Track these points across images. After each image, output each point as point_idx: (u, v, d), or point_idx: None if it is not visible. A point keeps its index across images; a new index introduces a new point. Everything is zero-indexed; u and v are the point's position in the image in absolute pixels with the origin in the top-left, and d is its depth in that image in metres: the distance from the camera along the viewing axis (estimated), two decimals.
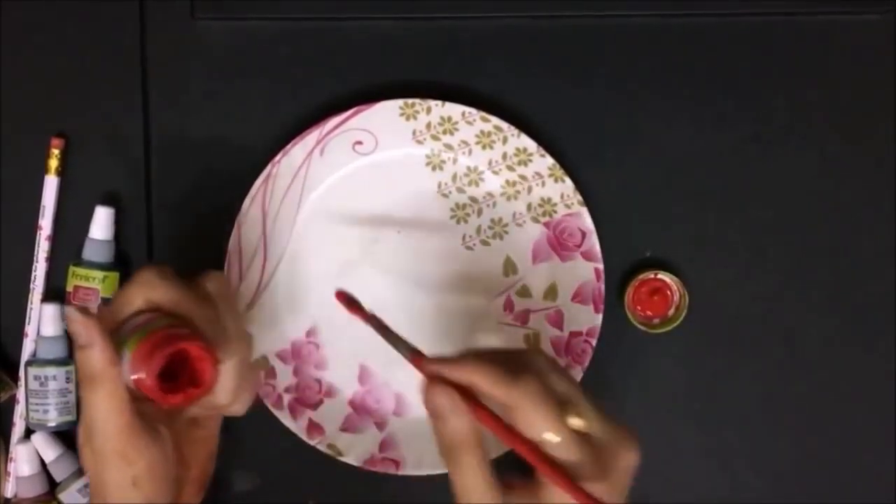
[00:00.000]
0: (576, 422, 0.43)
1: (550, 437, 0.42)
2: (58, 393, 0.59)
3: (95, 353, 0.45)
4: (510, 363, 0.45)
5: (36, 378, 0.59)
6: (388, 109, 0.59)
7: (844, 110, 0.62)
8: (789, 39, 0.62)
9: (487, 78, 0.62)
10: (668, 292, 0.61)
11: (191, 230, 0.62)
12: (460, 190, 0.61)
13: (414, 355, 0.47)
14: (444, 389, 0.44)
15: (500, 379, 0.43)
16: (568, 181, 0.59)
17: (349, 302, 0.50)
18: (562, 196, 0.60)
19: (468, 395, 0.44)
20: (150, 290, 0.48)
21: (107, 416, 0.45)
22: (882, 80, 0.62)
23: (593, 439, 0.44)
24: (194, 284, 0.50)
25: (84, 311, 0.46)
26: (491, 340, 0.61)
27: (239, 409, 0.50)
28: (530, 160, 0.60)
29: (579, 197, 0.59)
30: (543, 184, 0.60)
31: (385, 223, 0.61)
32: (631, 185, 0.62)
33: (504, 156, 0.60)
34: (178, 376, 0.46)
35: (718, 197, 0.62)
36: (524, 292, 0.61)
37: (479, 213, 0.61)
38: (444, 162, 0.61)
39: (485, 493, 0.44)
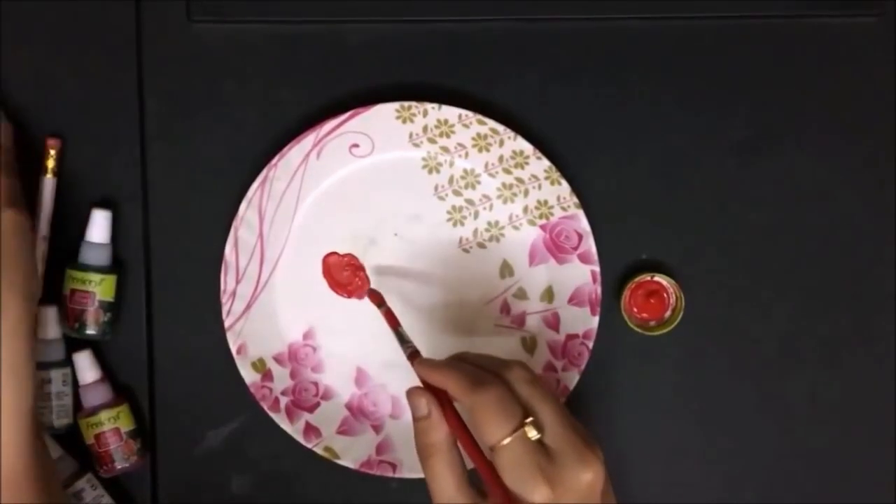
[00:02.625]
0: (531, 432, 0.45)
1: (504, 442, 0.45)
2: (54, 396, 0.59)
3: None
4: (485, 371, 0.47)
5: None
6: (384, 112, 0.59)
7: (841, 112, 0.63)
8: (786, 42, 0.62)
9: (484, 81, 0.62)
10: (665, 295, 0.61)
11: (187, 233, 0.62)
12: (457, 192, 0.61)
13: (410, 356, 0.52)
14: (422, 392, 0.49)
15: (466, 385, 0.46)
16: (564, 184, 0.59)
17: (374, 295, 0.57)
18: (558, 198, 0.60)
19: (446, 399, 0.48)
20: None
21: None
22: (879, 82, 0.63)
23: (551, 450, 0.45)
24: None
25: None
26: (488, 343, 0.61)
27: None
28: (527, 163, 0.60)
29: (576, 199, 0.59)
30: (540, 186, 0.60)
31: (382, 226, 0.61)
32: (627, 188, 0.62)
33: (500, 158, 0.60)
34: None
35: (715, 199, 0.62)
36: (521, 295, 0.61)
37: (476, 215, 0.61)
38: (440, 165, 0.61)
39: (454, 496, 0.46)
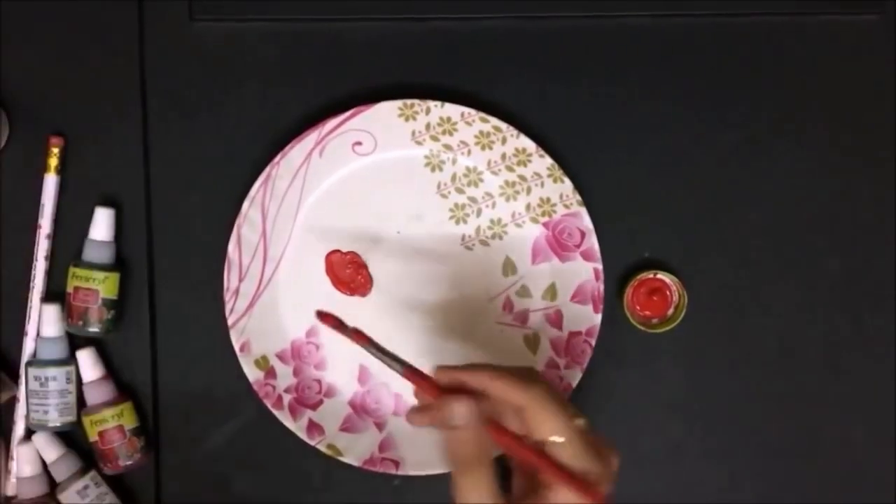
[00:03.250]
0: (581, 422, 0.45)
1: (556, 438, 0.44)
2: (58, 394, 0.59)
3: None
4: (518, 373, 0.46)
5: (36, 378, 0.59)
6: (387, 110, 0.59)
7: (842, 110, 0.63)
8: (787, 40, 0.63)
9: (486, 79, 0.62)
10: (667, 292, 0.61)
11: (191, 231, 0.62)
12: (459, 190, 0.61)
13: (407, 370, 0.47)
14: (463, 400, 0.45)
15: (515, 383, 0.45)
16: (567, 181, 0.59)
17: (334, 322, 0.48)
18: (561, 196, 0.60)
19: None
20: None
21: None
22: (879, 80, 0.63)
23: (593, 441, 0.45)
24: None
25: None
26: (490, 340, 0.61)
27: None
28: (529, 160, 0.60)
29: (578, 197, 0.59)
30: (542, 184, 0.60)
31: (384, 224, 0.61)
32: (630, 186, 0.62)
33: (503, 156, 0.60)
34: None
35: (717, 197, 0.62)
36: (523, 292, 0.61)
37: (479, 213, 0.61)
38: (443, 162, 0.61)
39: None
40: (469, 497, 0.44)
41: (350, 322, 0.59)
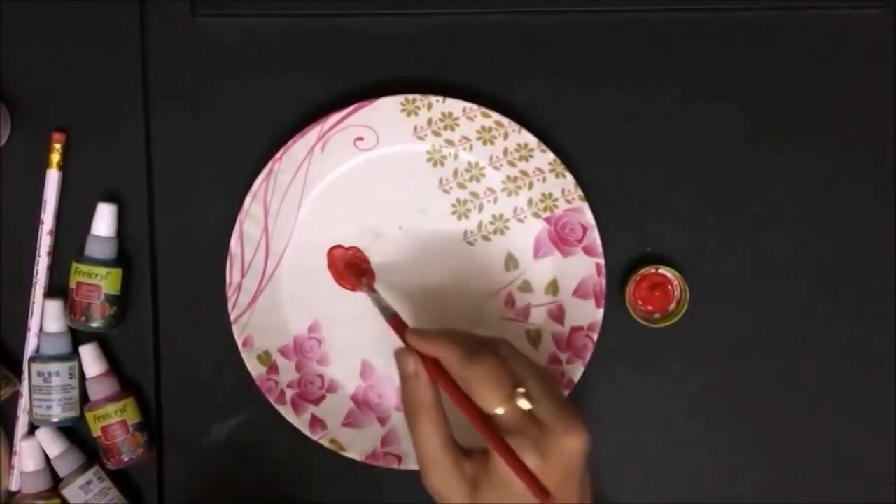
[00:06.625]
0: (522, 402, 0.47)
1: (497, 411, 0.47)
2: (61, 389, 0.59)
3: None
4: (476, 345, 0.49)
5: (39, 374, 0.59)
6: (388, 105, 0.59)
7: (845, 105, 0.63)
8: (790, 34, 0.62)
9: (488, 74, 0.62)
10: (669, 287, 0.61)
11: (193, 226, 0.62)
12: (461, 185, 0.61)
13: (394, 319, 0.54)
14: (411, 354, 0.50)
15: (462, 356, 0.48)
16: (569, 176, 0.59)
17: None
18: (563, 191, 0.60)
19: (436, 364, 0.49)
20: None
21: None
22: (882, 74, 0.63)
23: (540, 421, 0.47)
24: None
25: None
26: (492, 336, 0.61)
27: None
28: (531, 155, 0.60)
29: (580, 192, 0.59)
30: (544, 179, 0.60)
31: (386, 219, 0.61)
32: (632, 181, 0.62)
33: (505, 151, 0.60)
34: None
35: (719, 192, 0.62)
36: (525, 287, 0.61)
37: (481, 208, 0.61)
38: (445, 158, 0.61)
39: (439, 450, 0.48)
40: (418, 444, 0.49)
41: (351, 320, 0.59)
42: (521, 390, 0.47)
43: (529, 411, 0.47)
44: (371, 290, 0.58)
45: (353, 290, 0.61)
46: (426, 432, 0.48)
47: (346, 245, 0.61)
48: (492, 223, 0.61)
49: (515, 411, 0.47)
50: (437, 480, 0.48)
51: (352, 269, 0.60)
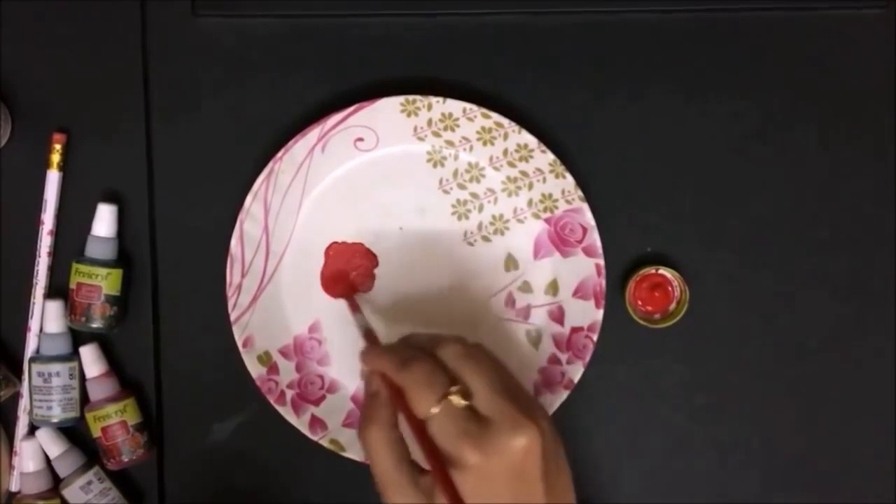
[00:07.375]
0: (456, 399, 0.46)
1: (433, 411, 0.46)
2: (61, 389, 0.59)
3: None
4: (415, 351, 0.49)
5: (39, 374, 0.59)
6: (389, 106, 0.59)
7: (845, 105, 0.63)
8: (790, 34, 0.62)
9: (488, 74, 0.62)
10: (669, 287, 0.61)
11: (193, 226, 0.62)
12: (461, 186, 0.61)
13: (366, 336, 0.55)
14: (376, 373, 0.50)
15: (395, 366, 0.48)
16: (569, 177, 0.59)
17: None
18: (563, 192, 0.60)
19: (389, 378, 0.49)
20: None
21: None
22: (882, 74, 0.63)
23: (483, 417, 0.46)
24: None
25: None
26: (492, 336, 0.61)
27: None
28: (531, 156, 0.60)
29: (580, 193, 0.59)
30: (544, 180, 0.60)
31: (386, 220, 0.61)
32: (632, 181, 0.62)
33: (505, 152, 0.60)
34: None
35: (719, 192, 0.62)
36: (525, 288, 0.61)
37: (481, 209, 0.61)
38: (445, 158, 0.61)
39: (393, 469, 0.47)
40: (372, 463, 0.48)
41: (351, 321, 0.59)
42: (455, 388, 0.46)
43: (474, 410, 0.46)
44: (355, 310, 0.58)
45: (355, 291, 0.61)
46: (380, 452, 0.47)
47: (349, 242, 0.61)
48: (492, 224, 0.61)
49: (452, 410, 0.46)
50: (396, 499, 0.47)
51: (341, 280, 0.60)
